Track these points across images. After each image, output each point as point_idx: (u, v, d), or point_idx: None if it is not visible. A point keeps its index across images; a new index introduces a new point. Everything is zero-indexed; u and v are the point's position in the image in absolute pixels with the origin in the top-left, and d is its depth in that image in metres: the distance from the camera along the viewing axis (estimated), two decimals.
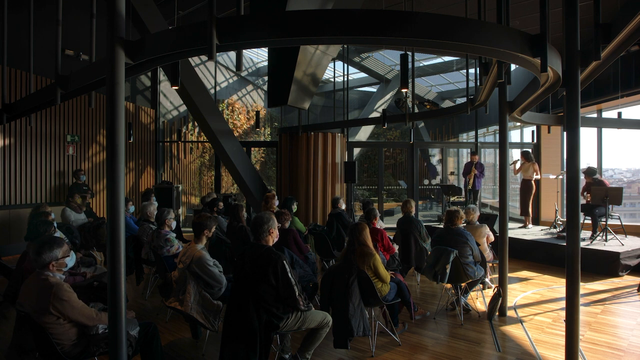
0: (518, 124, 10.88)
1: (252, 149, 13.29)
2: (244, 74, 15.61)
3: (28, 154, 7.97)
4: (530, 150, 9.30)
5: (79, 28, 7.61)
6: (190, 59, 9.48)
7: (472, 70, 8.82)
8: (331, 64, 11.59)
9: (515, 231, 8.10)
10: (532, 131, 10.16)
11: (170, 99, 12.25)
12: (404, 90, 4.72)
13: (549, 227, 8.33)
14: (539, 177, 8.59)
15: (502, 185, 4.63)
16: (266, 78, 13.98)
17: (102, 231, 6.14)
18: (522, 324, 4.27)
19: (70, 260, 2.77)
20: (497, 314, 4.44)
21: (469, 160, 9.09)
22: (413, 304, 4.10)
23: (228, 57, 14.51)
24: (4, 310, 4.45)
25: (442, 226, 4.83)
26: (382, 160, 12.24)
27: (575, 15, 2.81)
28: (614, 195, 6.63)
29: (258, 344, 2.78)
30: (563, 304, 3.23)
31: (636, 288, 5.43)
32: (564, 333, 2.95)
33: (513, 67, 5.18)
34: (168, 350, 3.68)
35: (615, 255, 6.11)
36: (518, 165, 8.70)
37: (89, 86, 3.60)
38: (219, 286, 3.45)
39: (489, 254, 4.96)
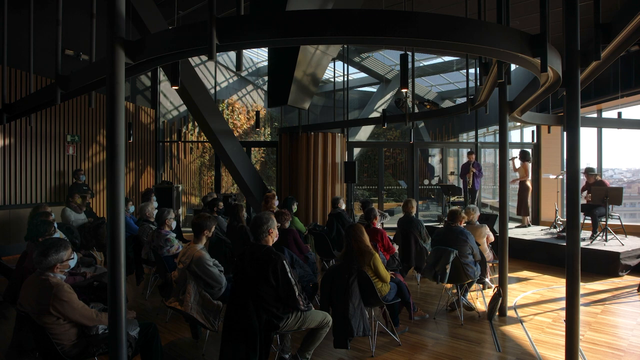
0: (518, 124, 10.88)
1: (252, 149, 13.29)
2: (244, 74, 15.61)
3: (28, 154, 7.97)
4: (530, 150, 9.31)
5: (79, 28, 7.64)
6: (190, 59, 9.48)
7: (472, 70, 8.82)
8: (331, 64, 11.59)
9: (515, 231, 8.10)
10: (532, 131, 10.16)
11: (170, 99, 12.25)
12: (404, 90, 4.72)
13: (549, 227, 8.34)
14: (528, 178, 8.64)
15: (502, 185, 4.63)
16: (266, 78, 13.99)
17: (102, 231, 6.14)
18: (522, 324, 4.27)
19: (73, 262, 2.77)
20: (497, 314, 4.44)
21: (467, 160, 9.12)
22: (413, 304, 4.10)
23: (228, 57, 14.51)
24: (4, 310, 4.45)
25: (442, 226, 4.83)
26: (382, 160, 12.24)
27: (575, 15, 2.81)
28: (614, 195, 6.63)
29: (258, 344, 2.78)
30: (563, 304, 3.23)
31: (636, 288, 5.43)
32: (564, 333, 2.95)
33: (513, 67, 5.18)
34: (168, 350, 3.68)
35: (615, 255, 6.11)
36: (517, 163, 8.72)
37: (89, 86, 3.60)
38: (219, 286, 3.44)
39: (489, 254, 4.96)
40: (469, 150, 9.64)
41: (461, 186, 9.23)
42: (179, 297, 3.44)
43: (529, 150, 9.42)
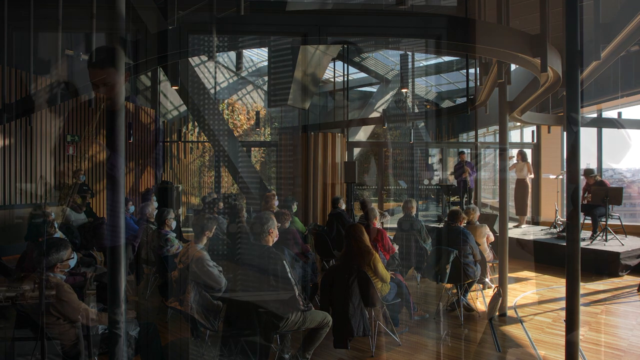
0: (518, 124, 10.88)
1: (252, 149, 13.29)
2: (244, 74, 15.61)
3: (28, 154, 7.97)
4: (528, 150, 9.30)
5: (79, 28, 7.63)
6: (190, 59, 9.47)
7: (472, 70, 8.82)
8: (331, 64, 11.58)
9: (515, 231, 8.10)
10: (532, 131, 10.16)
11: (170, 99, 12.25)
12: (404, 90, 4.73)
13: (549, 227, 8.33)
14: (532, 176, 8.62)
15: (502, 185, 4.63)
16: (266, 78, 13.99)
17: (102, 231, 6.14)
18: (522, 324, 4.27)
19: (73, 262, 2.77)
20: (497, 314, 4.44)
21: (459, 160, 9.13)
22: (413, 304, 4.10)
23: (228, 57, 14.50)
24: (4, 310, 4.45)
25: (441, 226, 4.83)
26: (382, 160, 12.24)
27: (575, 15, 2.81)
28: (614, 195, 6.62)
29: (258, 344, 2.78)
30: (563, 304, 3.22)
31: (636, 288, 5.43)
32: (564, 333, 2.94)
33: (513, 67, 5.18)
34: (168, 350, 3.67)
35: (615, 255, 6.11)
36: (514, 162, 8.72)
37: (89, 86, 3.60)
38: (219, 287, 3.44)
39: (489, 254, 4.96)
40: (459, 150, 9.65)
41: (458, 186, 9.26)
42: (179, 297, 3.44)
43: (527, 151, 9.41)
